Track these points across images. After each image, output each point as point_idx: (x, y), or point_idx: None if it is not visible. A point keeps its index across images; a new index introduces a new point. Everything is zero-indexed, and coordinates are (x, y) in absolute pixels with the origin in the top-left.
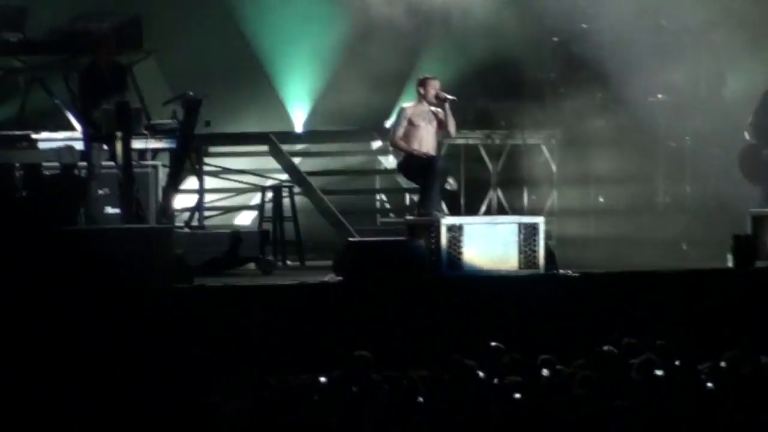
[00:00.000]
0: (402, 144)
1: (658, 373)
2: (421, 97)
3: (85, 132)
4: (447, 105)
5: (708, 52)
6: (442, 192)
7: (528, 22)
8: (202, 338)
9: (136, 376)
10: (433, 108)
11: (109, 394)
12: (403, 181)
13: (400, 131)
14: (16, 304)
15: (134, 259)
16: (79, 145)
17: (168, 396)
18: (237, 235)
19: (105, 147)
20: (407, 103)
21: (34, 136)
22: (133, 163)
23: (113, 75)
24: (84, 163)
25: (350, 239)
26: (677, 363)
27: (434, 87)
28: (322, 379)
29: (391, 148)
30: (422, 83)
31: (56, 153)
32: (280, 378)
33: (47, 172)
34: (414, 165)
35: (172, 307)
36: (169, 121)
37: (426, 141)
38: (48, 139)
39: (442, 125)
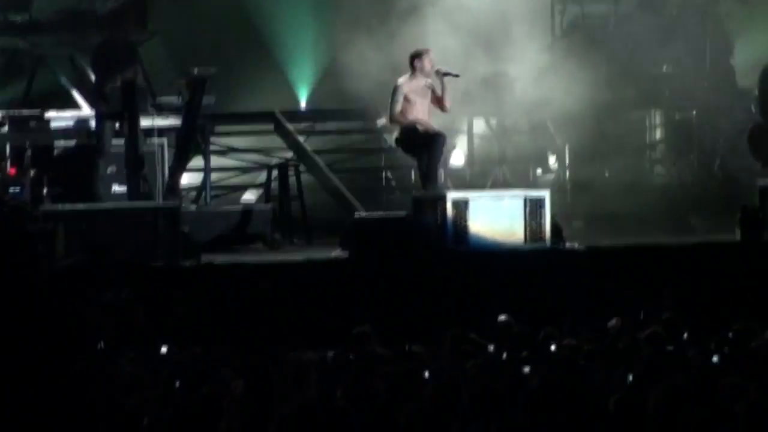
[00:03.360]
0: (402, 119)
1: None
2: (415, 71)
3: (96, 110)
4: (445, 80)
5: (713, 24)
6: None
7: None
8: (209, 315)
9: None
10: (426, 81)
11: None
12: (408, 158)
13: (398, 107)
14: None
15: (141, 236)
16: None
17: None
18: (244, 213)
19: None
20: (401, 79)
21: (46, 115)
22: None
23: (127, 53)
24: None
25: (356, 215)
26: (684, 336)
27: (431, 60)
28: (330, 354)
29: (388, 125)
30: (418, 56)
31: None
32: (287, 354)
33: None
34: (415, 139)
35: (180, 284)
36: (175, 99)
37: (422, 116)
38: (58, 118)
39: (438, 100)
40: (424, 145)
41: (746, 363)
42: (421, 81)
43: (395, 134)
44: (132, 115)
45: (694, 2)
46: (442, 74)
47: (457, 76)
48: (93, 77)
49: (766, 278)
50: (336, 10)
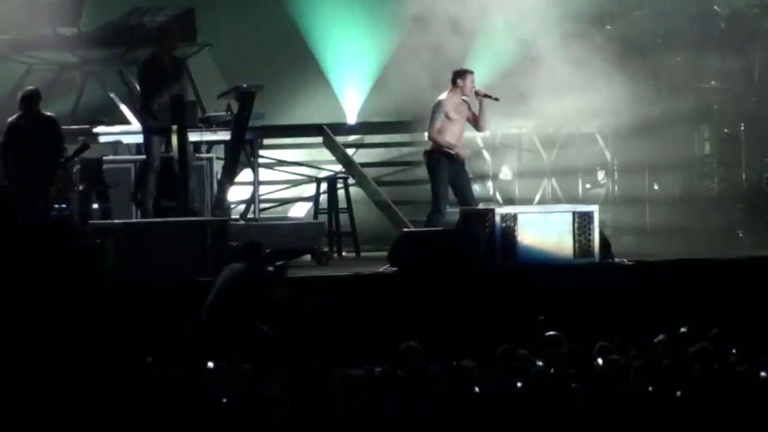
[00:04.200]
0: (440, 138)
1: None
2: (456, 89)
3: (144, 125)
4: (484, 102)
5: (762, 37)
6: None
7: (580, 9)
8: (259, 329)
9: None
10: (465, 98)
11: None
12: None
13: (438, 125)
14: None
15: (190, 252)
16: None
17: (224, 388)
18: (292, 227)
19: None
20: (443, 95)
21: (95, 129)
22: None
23: (174, 68)
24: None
25: (405, 230)
26: (734, 352)
27: (473, 81)
28: (378, 370)
29: (426, 140)
30: (461, 75)
31: None
32: (336, 369)
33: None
34: (441, 161)
35: None
36: (224, 113)
37: (459, 134)
38: (107, 133)
39: (474, 119)
40: (449, 168)
41: None
42: (459, 98)
43: (428, 147)
44: (180, 130)
45: (743, 16)
46: (482, 96)
47: (496, 100)
48: (140, 92)
49: None
50: (384, 24)
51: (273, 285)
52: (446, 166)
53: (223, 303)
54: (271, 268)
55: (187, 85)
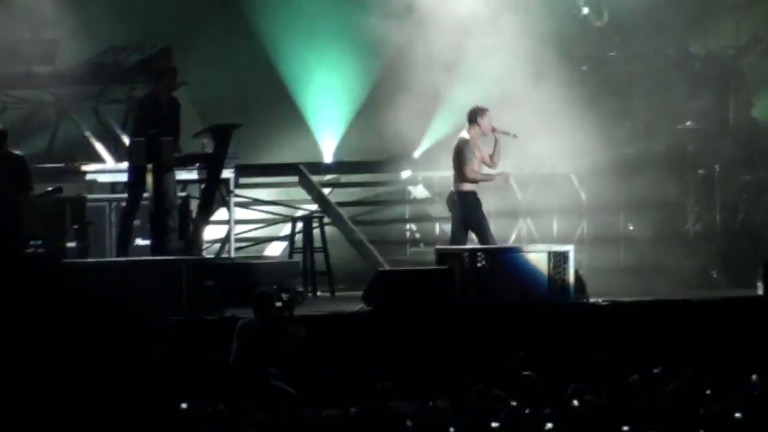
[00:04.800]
0: (477, 176)
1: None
2: (476, 126)
3: (131, 162)
4: (501, 138)
5: (736, 78)
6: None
7: (555, 50)
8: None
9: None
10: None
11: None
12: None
13: (475, 163)
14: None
15: (165, 290)
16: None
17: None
18: (267, 266)
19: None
20: (467, 134)
21: (83, 167)
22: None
23: (170, 109)
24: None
25: (380, 269)
26: (708, 392)
27: (490, 118)
28: (353, 410)
29: (468, 178)
30: (481, 113)
31: None
32: (310, 410)
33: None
34: (478, 198)
35: (204, 338)
36: (200, 152)
37: (479, 169)
38: (95, 171)
39: (489, 156)
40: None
41: None
42: (479, 136)
43: (461, 188)
44: (159, 168)
45: (718, 58)
46: (499, 132)
47: (515, 136)
48: (132, 129)
49: None
50: (361, 64)
51: (288, 329)
52: (480, 202)
53: (246, 363)
54: (279, 304)
55: (179, 126)
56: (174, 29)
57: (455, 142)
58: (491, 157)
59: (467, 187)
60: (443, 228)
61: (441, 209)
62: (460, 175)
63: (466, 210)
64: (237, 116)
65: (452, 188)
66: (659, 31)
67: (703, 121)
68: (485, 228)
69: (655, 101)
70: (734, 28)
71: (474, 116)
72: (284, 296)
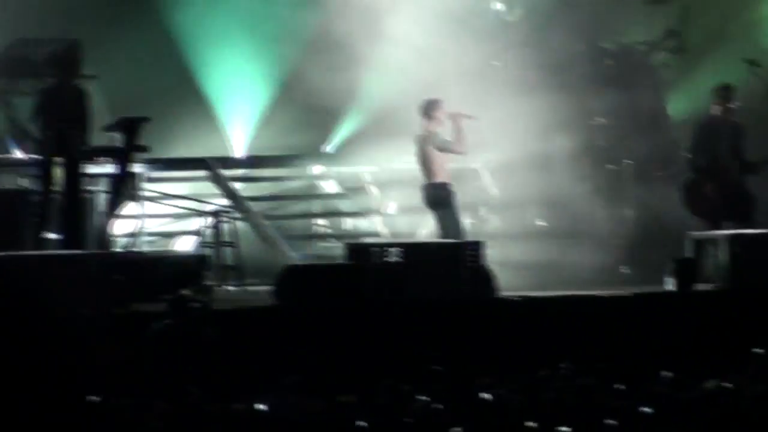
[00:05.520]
0: (458, 147)
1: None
2: (433, 121)
3: (40, 154)
4: (462, 122)
5: (649, 74)
6: None
7: (467, 44)
8: (140, 364)
9: (72, 402)
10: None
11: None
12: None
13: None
14: None
15: (73, 285)
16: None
17: (109, 420)
18: (176, 260)
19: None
20: (431, 127)
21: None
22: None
23: (76, 99)
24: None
25: (289, 263)
26: (616, 387)
27: (444, 107)
28: (261, 407)
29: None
30: (433, 105)
31: None
32: (218, 404)
33: None
34: (454, 190)
35: (112, 332)
36: (108, 145)
37: None
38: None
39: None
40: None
41: (679, 415)
42: (437, 128)
43: (434, 181)
44: (69, 161)
45: (630, 53)
46: (461, 117)
47: (473, 118)
48: (39, 121)
49: (701, 328)
50: (273, 57)
51: (205, 332)
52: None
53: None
54: (197, 305)
55: (88, 115)
56: (85, 22)
57: (417, 142)
58: (456, 143)
59: (439, 179)
60: (354, 223)
61: (352, 204)
62: (435, 169)
63: (440, 202)
64: (147, 110)
65: (425, 183)
66: (571, 26)
67: (614, 117)
68: (458, 222)
69: (567, 97)
70: (646, 23)
71: (428, 110)
72: (203, 298)
